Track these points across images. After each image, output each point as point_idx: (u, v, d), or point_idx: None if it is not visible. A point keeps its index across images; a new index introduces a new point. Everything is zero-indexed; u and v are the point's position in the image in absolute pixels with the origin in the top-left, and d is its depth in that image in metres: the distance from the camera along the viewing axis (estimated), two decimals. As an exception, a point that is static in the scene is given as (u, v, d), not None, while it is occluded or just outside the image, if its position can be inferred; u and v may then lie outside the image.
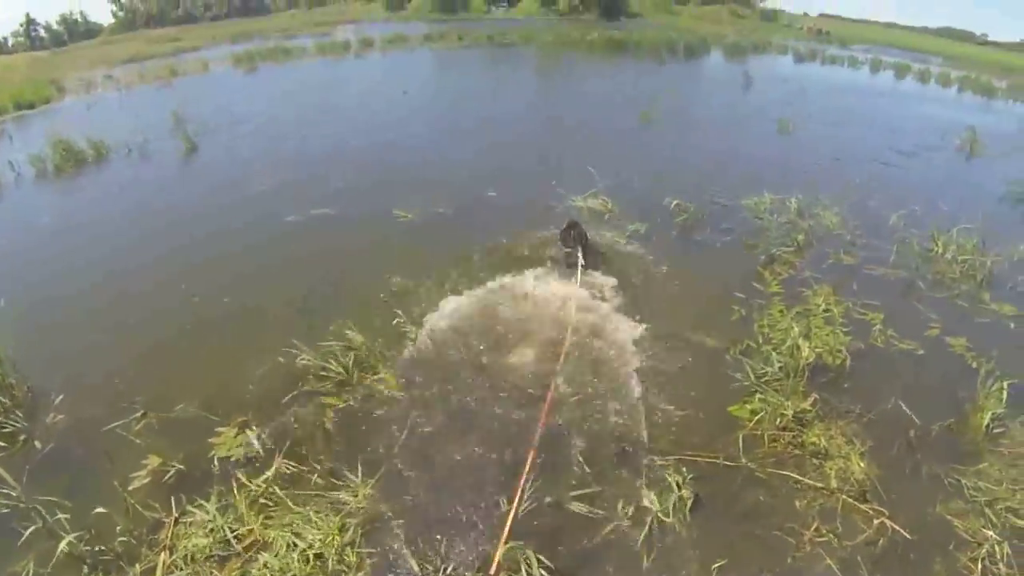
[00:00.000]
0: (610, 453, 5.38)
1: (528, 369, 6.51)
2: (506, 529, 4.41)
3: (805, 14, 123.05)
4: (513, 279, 8.36)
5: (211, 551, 4.49)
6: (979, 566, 4.49)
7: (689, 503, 4.81)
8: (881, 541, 4.67)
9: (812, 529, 4.70)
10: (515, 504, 4.63)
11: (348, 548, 4.49)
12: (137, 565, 4.43)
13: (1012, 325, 7.80)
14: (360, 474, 5.04)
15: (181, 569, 4.39)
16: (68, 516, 4.63)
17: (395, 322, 7.14)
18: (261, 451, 5.35)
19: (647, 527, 4.68)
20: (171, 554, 4.47)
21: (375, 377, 6.30)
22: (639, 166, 13.13)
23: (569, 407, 5.91)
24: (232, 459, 5.29)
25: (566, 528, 4.71)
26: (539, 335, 7.09)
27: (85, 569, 4.45)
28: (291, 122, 17.94)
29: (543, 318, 7.46)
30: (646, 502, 4.85)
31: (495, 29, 51.57)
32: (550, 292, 8.03)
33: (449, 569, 4.38)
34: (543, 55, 39.78)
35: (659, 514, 4.75)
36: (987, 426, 5.79)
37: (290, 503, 4.82)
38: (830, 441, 5.47)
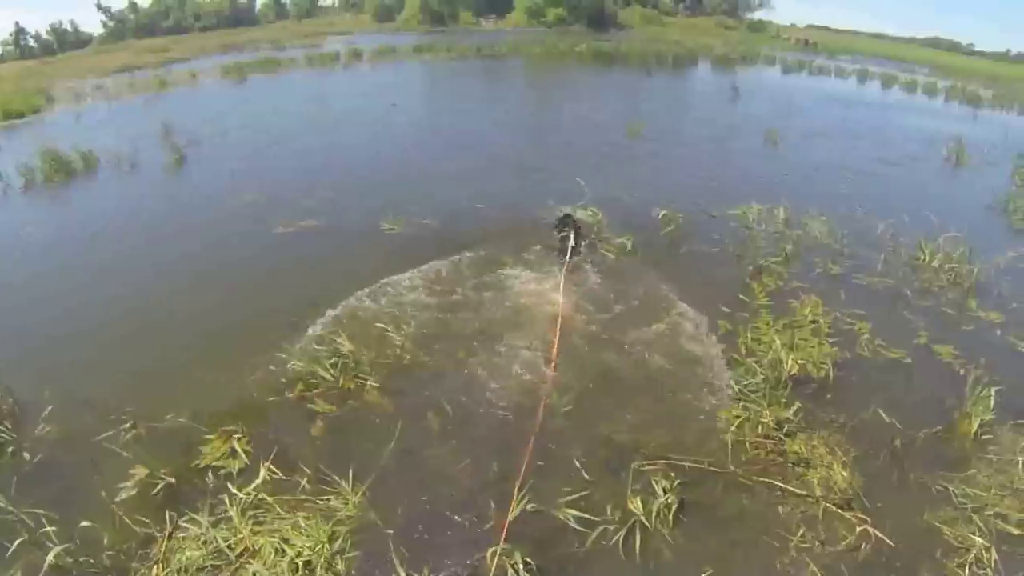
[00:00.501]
0: (600, 458, 5.39)
1: (519, 372, 6.55)
2: (503, 534, 4.44)
3: (792, 25, 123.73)
4: (501, 281, 8.49)
5: (204, 563, 4.46)
6: (967, 572, 4.50)
7: (674, 508, 4.81)
8: (865, 548, 4.67)
9: (797, 536, 4.71)
10: (510, 509, 4.66)
11: (338, 556, 4.47)
12: (127, 578, 4.40)
13: (999, 332, 7.88)
14: (351, 481, 5.02)
15: (174, 581, 4.36)
16: (56, 528, 4.60)
17: (382, 328, 7.15)
18: (247, 460, 5.32)
19: (634, 532, 4.68)
20: (164, 567, 4.45)
21: (364, 383, 6.30)
22: (627, 178, 13.18)
23: (560, 412, 5.95)
24: (222, 469, 5.26)
25: (555, 533, 4.71)
26: (529, 338, 7.16)
27: (73, 582, 4.41)
28: (279, 134, 17.93)
29: (532, 320, 7.54)
30: (632, 507, 4.84)
31: (484, 41, 51.64)
32: (537, 294, 8.15)
33: (440, 577, 4.36)
34: (532, 67, 39.95)
35: (644, 519, 4.75)
36: (975, 432, 5.83)
37: (280, 510, 4.79)
38: (812, 451, 5.50)
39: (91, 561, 4.52)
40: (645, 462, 5.29)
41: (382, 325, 7.17)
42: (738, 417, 5.78)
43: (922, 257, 9.65)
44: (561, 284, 8.32)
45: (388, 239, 9.99)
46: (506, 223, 10.58)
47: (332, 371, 6.32)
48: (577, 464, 5.31)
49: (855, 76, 44.77)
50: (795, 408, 5.90)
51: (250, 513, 4.77)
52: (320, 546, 4.49)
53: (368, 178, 13.55)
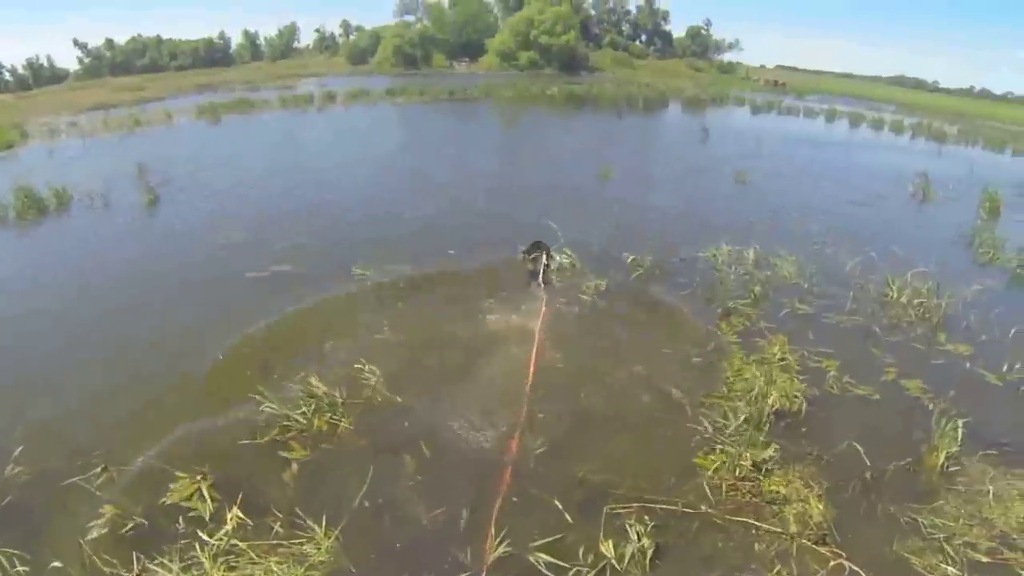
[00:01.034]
0: (574, 500, 5.39)
1: (493, 411, 6.59)
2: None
3: (762, 66, 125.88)
4: (474, 321, 8.64)
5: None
6: (937, 602, 4.58)
7: (649, 551, 4.81)
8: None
9: (772, 573, 4.73)
10: (486, 554, 4.70)
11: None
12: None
13: (968, 364, 8.03)
14: (323, 525, 4.98)
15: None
16: (27, 568, 4.60)
17: (357, 369, 7.14)
18: (219, 500, 5.28)
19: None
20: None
21: (337, 424, 6.30)
22: (598, 221, 13.30)
23: (535, 452, 5.97)
24: (192, 511, 5.21)
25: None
26: (503, 376, 7.26)
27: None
28: (253, 176, 17.97)
29: (507, 359, 7.64)
30: (604, 550, 4.84)
31: (456, 84, 52.30)
32: (510, 332, 8.30)
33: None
34: (504, 110, 40.32)
35: (616, 563, 4.74)
36: (943, 464, 5.91)
37: (253, 555, 4.75)
38: (788, 486, 5.54)
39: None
40: (619, 505, 5.31)
41: (359, 366, 7.15)
42: (714, 461, 5.82)
43: (890, 293, 9.82)
44: (541, 309, 8.63)
45: (360, 284, 9.95)
46: (477, 265, 10.71)
47: (305, 413, 6.30)
48: (553, 505, 5.30)
49: (824, 116, 45.68)
50: (772, 449, 5.94)
51: (222, 559, 4.72)
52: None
53: (339, 221, 13.58)
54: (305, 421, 6.24)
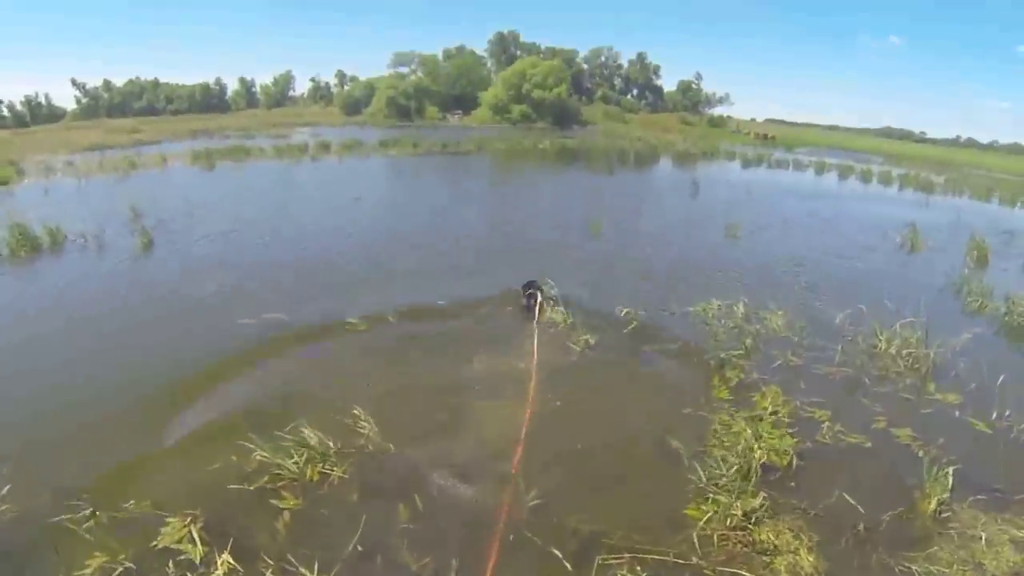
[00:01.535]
0: (567, 550, 5.37)
1: (487, 458, 6.64)
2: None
3: (752, 120, 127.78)
4: (468, 369, 8.73)
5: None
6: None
7: None
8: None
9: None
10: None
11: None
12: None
13: (957, 413, 8.08)
14: (316, 572, 4.97)
15: None
16: None
17: (348, 418, 7.14)
18: (209, 547, 5.22)
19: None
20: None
21: (329, 474, 6.28)
22: (589, 276, 13.37)
23: (528, 502, 5.95)
24: (182, 555, 5.17)
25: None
26: (497, 423, 7.31)
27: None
28: (246, 223, 18.03)
29: (501, 405, 7.71)
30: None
31: (449, 137, 53.02)
32: (504, 380, 8.40)
33: None
34: (496, 164, 40.81)
35: None
36: (935, 511, 5.97)
37: None
38: (779, 537, 5.57)
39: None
40: (610, 556, 5.33)
41: (356, 413, 7.13)
42: (705, 512, 5.84)
43: (879, 344, 9.89)
44: (533, 359, 8.73)
45: (352, 332, 9.98)
46: (468, 314, 10.81)
47: (297, 463, 6.29)
48: (547, 555, 5.31)
49: (812, 168, 46.28)
50: (762, 498, 5.97)
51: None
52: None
53: (331, 271, 13.58)
54: (297, 470, 6.23)
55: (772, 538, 5.55)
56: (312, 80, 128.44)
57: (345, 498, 6.02)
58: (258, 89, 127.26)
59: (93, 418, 7.33)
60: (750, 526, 5.69)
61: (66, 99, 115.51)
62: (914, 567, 5.32)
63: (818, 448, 7.10)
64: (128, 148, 40.74)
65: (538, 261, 13.54)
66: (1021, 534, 5.75)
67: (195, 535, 5.30)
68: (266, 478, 6.16)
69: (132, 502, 5.77)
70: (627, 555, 5.32)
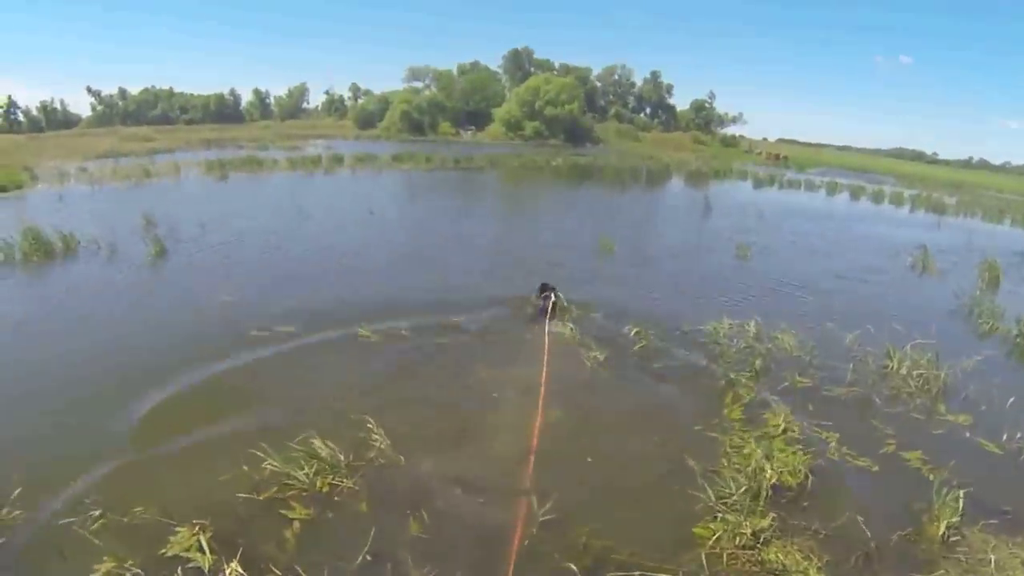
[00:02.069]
0: (580, 566, 5.35)
1: (497, 476, 6.63)
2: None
3: (764, 139, 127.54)
4: (479, 380, 8.79)
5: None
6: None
7: None
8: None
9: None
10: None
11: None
12: None
13: (968, 434, 8.06)
14: None
15: None
16: None
17: (360, 429, 7.11)
18: (217, 557, 5.20)
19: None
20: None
21: (339, 485, 6.27)
22: (600, 294, 13.32)
23: (538, 517, 5.93)
24: (190, 562, 5.17)
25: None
26: (508, 435, 7.35)
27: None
28: (259, 234, 18.11)
29: (512, 417, 7.77)
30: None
31: (462, 152, 53.35)
32: (516, 391, 8.44)
33: None
34: (508, 180, 41.03)
35: None
36: (944, 535, 5.93)
37: None
38: (788, 557, 5.53)
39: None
40: (621, 572, 5.30)
41: (369, 426, 7.08)
42: (714, 531, 5.81)
43: (890, 365, 9.88)
44: (545, 359, 8.92)
45: (364, 345, 9.95)
46: (481, 331, 10.81)
47: (308, 473, 6.28)
48: (560, 570, 5.29)
49: (825, 189, 46.20)
50: (771, 518, 5.95)
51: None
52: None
53: (344, 284, 13.57)
54: (307, 481, 6.23)
55: (781, 558, 5.53)
56: (326, 93, 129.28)
57: (355, 509, 6.01)
58: (272, 101, 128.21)
59: (99, 424, 7.35)
60: (759, 546, 5.68)
61: (81, 106, 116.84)
62: (922, 590, 5.31)
63: (828, 469, 7.06)
64: (142, 156, 40.98)
65: (549, 277, 13.45)
66: (1032, 557, 5.72)
67: (204, 543, 5.30)
68: (275, 488, 6.17)
69: (141, 508, 5.76)
70: (637, 572, 5.31)
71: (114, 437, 7.10)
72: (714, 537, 5.73)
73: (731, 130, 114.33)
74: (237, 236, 17.61)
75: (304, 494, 6.14)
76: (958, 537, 5.98)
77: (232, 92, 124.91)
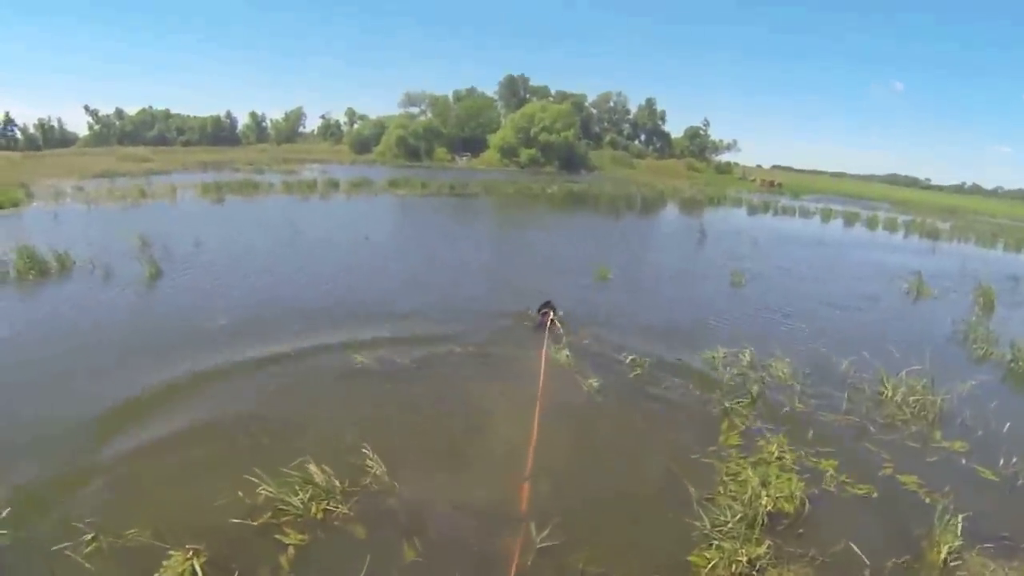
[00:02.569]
0: None
1: (493, 500, 6.59)
2: None
3: (758, 166, 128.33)
4: (474, 405, 8.79)
5: None
6: None
7: None
8: None
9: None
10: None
11: None
12: None
13: (964, 460, 8.06)
14: None
15: None
16: None
17: (355, 454, 7.06)
18: None
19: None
20: None
21: (334, 511, 6.23)
22: (595, 322, 13.27)
23: (535, 543, 5.88)
24: None
25: None
26: (504, 458, 7.34)
27: None
28: (254, 257, 18.09)
29: (507, 440, 7.76)
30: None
31: (457, 178, 53.48)
32: (510, 416, 8.43)
33: None
34: (503, 207, 41.10)
35: None
36: (944, 560, 5.93)
37: None
38: (785, 582, 5.55)
39: None
40: None
41: (364, 450, 7.03)
42: (711, 559, 5.80)
43: (885, 392, 9.89)
44: (539, 397, 8.76)
45: (360, 368, 9.90)
46: (476, 355, 10.79)
47: (302, 499, 6.22)
48: None
49: (819, 215, 46.38)
50: (767, 545, 5.93)
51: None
52: None
53: (339, 307, 13.51)
54: (302, 507, 6.18)
55: (778, 582, 5.51)
56: (323, 117, 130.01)
57: (350, 535, 5.97)
58: (268, 124, 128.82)
59: (90, 445, 7.27)
60: (755, 573, 5.66)
61: (78, 125, 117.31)
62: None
63: (825, 496, 7.05)
64: (139, 177, 41.28)
65: (548, 298, 13.44)
66: (1031, 583, 5.71)
67: (197, 568, 5.26)
68: (270, 513, 6.12)
69: (134, 530, 5.71)
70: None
71: (105, 459, 7.05)
72: (710, 565, 5.71)
73: (726, 157, 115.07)
74: (233, 259, 17.61)
75: (299, 519, 6.09)
76: (959, 562, 5.98)
77: (228, 115, 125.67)
